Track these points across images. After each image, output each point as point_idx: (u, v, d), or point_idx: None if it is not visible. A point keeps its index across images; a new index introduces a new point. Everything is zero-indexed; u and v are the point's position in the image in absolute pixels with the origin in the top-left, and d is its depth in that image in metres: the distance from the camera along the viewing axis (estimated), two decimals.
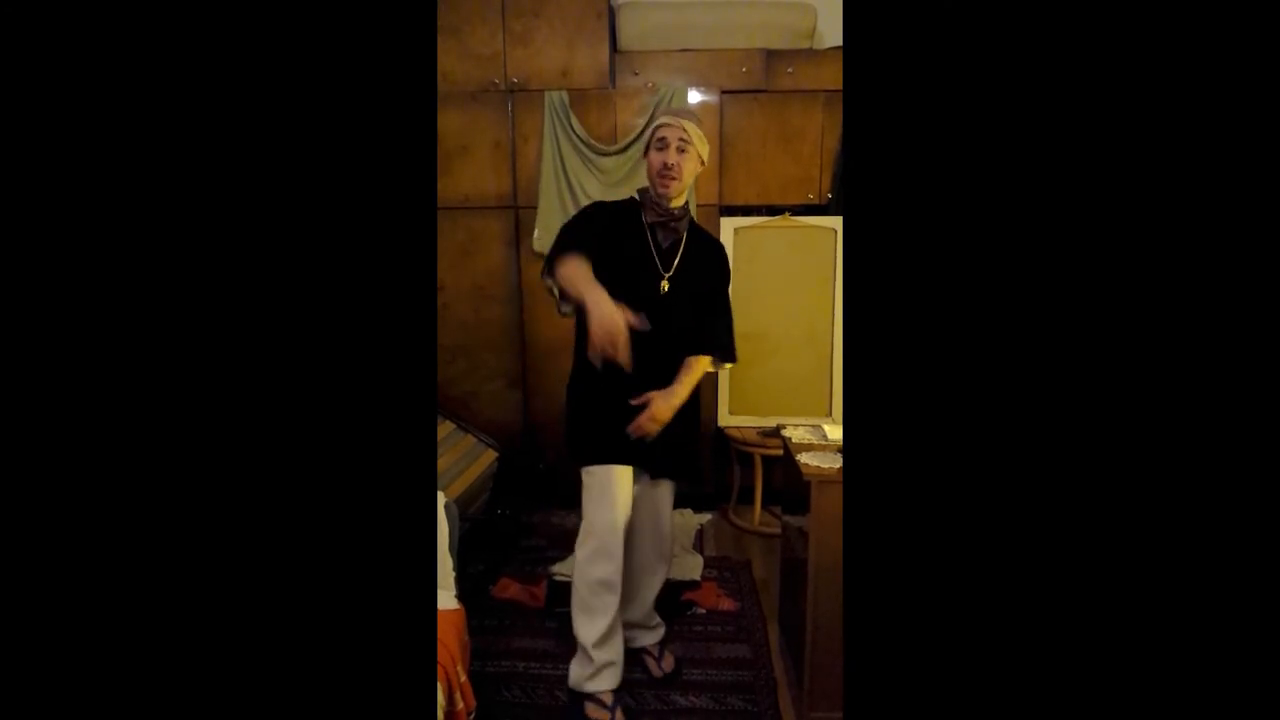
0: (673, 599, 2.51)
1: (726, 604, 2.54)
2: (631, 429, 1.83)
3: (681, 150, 1.81)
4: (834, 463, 1.88)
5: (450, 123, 3.07)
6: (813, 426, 2.23)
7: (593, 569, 1.88)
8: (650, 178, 1.86)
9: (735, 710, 2.03)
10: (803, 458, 1.94)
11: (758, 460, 3.10)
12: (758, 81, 3.05)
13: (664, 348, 1.87)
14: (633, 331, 1.65)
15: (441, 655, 1.63)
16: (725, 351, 1.99)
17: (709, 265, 1.98)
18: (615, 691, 1.96)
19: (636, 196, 1.93)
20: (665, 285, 1.88)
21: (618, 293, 1.69)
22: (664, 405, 1.84)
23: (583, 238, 1.82)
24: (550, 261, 1.83)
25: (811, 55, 3.08)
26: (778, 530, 2.87)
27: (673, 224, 1.89)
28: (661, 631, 2.20)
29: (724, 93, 3.04)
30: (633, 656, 2.11)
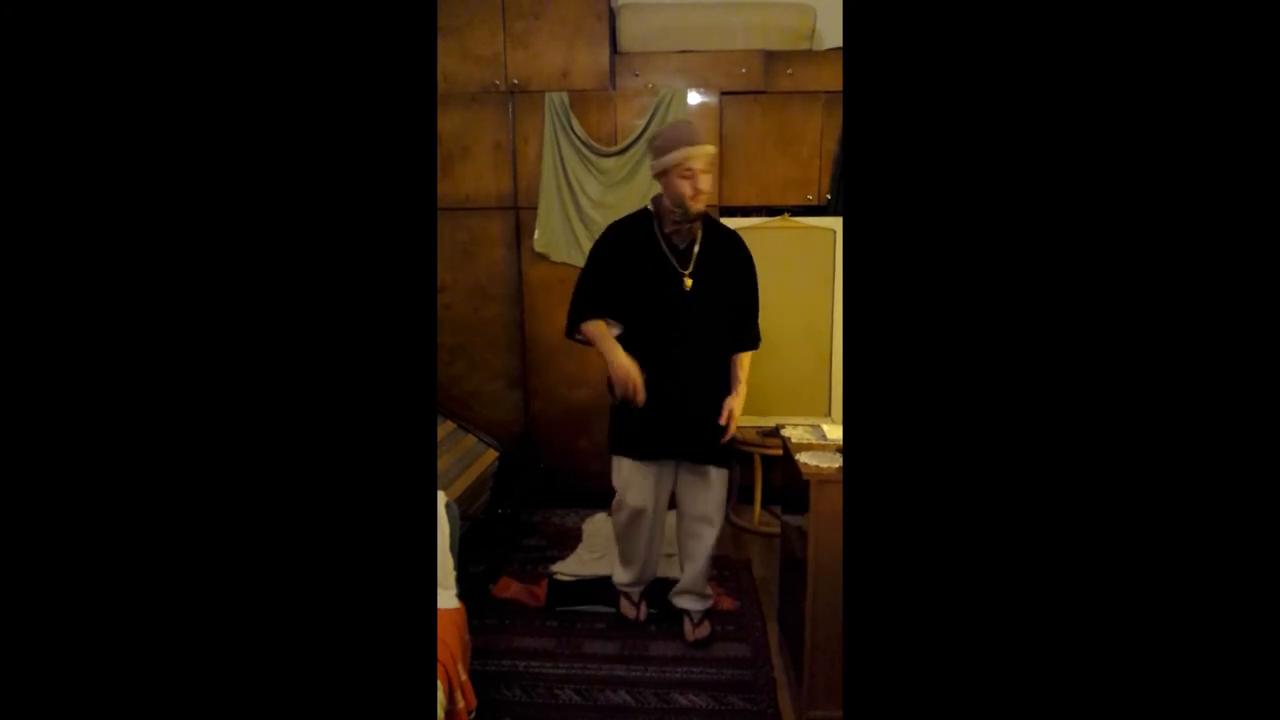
0: (677, 615, 2.48)
1: (726, 603, 2.55)
2: (723, 438, 2.20)
3: (708, 170, 2.06)
4: (833, 462, 1.89)
5: (451, 124, 3.07)
6: (812, 426, 2.24)
7: (623, 543, 2.38)
8: (678, 198, 2.08)
9: (735, 709, 2.03)
10: (802, 457, 1.94)
11: (757, 460, 3.10)
12: (757, 83, 3.06)
13: (698, 338, 2.15)
14: (661, 330, 2.13)
15: (442, 654, 1.63)
16: (755, 339, 2.26)
17: (733, 255, 2.21)
18: (643, 591, 2.47)
19: (650, 208, 2.19)
20: (689, 282, 2.13)
21: (644, 304, 2.13)
22: (737, 409, 2.19)
23: (597, 289, 2.17)
24: (572, 318, 2.20)
25: (811, 56, 3.08)
26: (777, 530, 2.87)
27: (688, 225, 2.13)
28: (709, 602, 2.41)
29: (723, 94, 3.04)
30: (676, 616, 2.42)
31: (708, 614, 2.41)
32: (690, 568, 2.35)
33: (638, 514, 2.28)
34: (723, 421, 2.16)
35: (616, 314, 2.17)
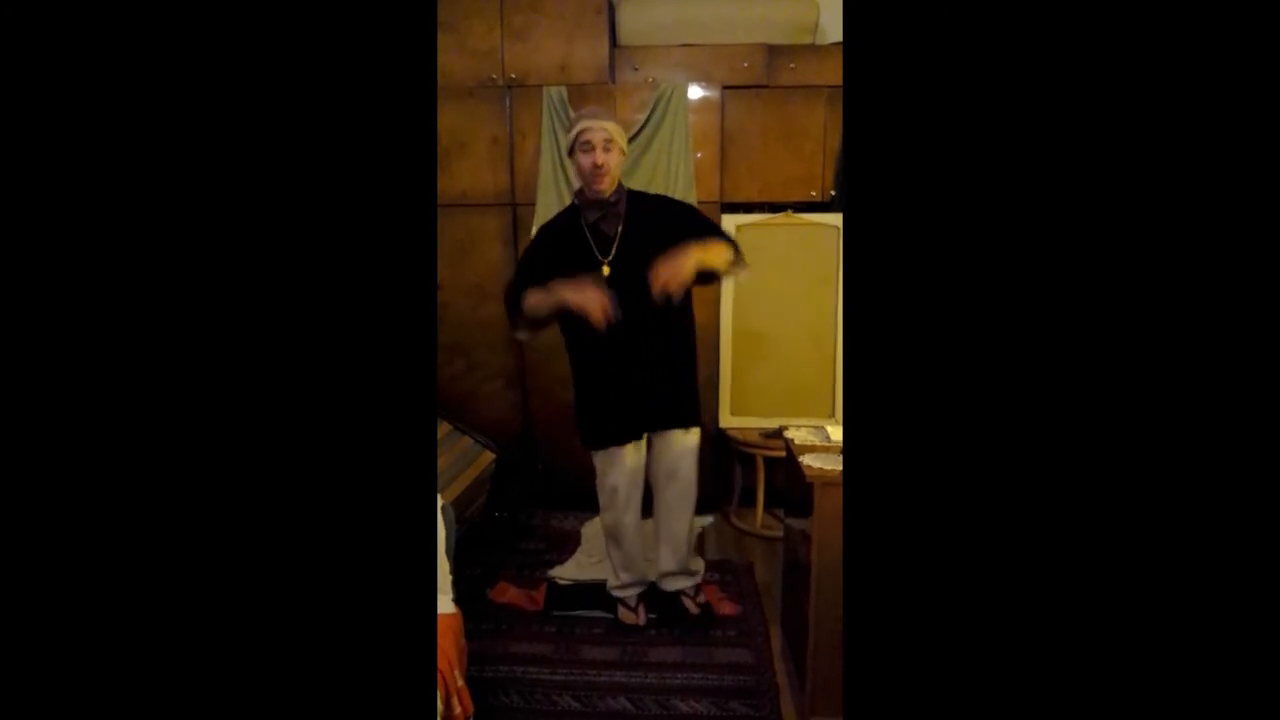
0: (673, 602, 2.48)
1: (728, 608, 2.51)
2: (656, 294, 1.98)
3: (607, 149, 2.07)
4: (837, 464, 1.86)
5: (448, 119, 3.03)
6: (815, 427, 2.21)
7: (605, 520, 2.40)
8: (582, 177, 2.13)
9: (737, 715, 2.00)
10: (805, 459, 1.91)
11: (759, 462, 3.06)
12: (759, 77, 3.02)
13: (621, 324, 2.07)
14: (594, 325, 2.02)
15: (439, 660, 1.60)
16: (715, 231, 2.17)
17: (659, 219, 2.17)
18: (639, 595, 2.44)
19: (575, 201, 2.23)
20: (606, 268, 2.14)
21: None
22: (670, 268, 1.96)
23: (528, 273, 2.17)
24: (511, 310, 2.19)
25: (814, 51, 3.05)
26: (780, 533, 2.84)
27: (611, 209, 2.15)
28: (698, 576, 2.48)
29: (725, 88, 3.01)
30: (673, 600, 2.44)
31: (711, 618, 2.42)
32: (666, 549, 2.39)
33: (613, 492, 2.32)
34: (657, 277, 1.97)
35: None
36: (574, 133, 2.09)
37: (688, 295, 2.18)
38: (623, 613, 2.44)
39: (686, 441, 2.30)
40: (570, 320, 2.14)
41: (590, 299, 1.99)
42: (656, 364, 2.20)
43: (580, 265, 2.14)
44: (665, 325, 2.19)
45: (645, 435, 2.30)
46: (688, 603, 2.42)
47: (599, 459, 2.33)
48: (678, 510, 2.34)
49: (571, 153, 2.13)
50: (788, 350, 3.16)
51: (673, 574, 2.43)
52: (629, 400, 2.22)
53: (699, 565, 2.49)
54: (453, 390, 3.22)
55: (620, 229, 2.15)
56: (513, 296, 2.18)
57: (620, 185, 2.18)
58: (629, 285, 2.08)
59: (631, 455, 2.30)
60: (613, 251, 2.15)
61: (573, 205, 2.25)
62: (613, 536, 2.41)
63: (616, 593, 2.46)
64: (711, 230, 2.19)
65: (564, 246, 2.18)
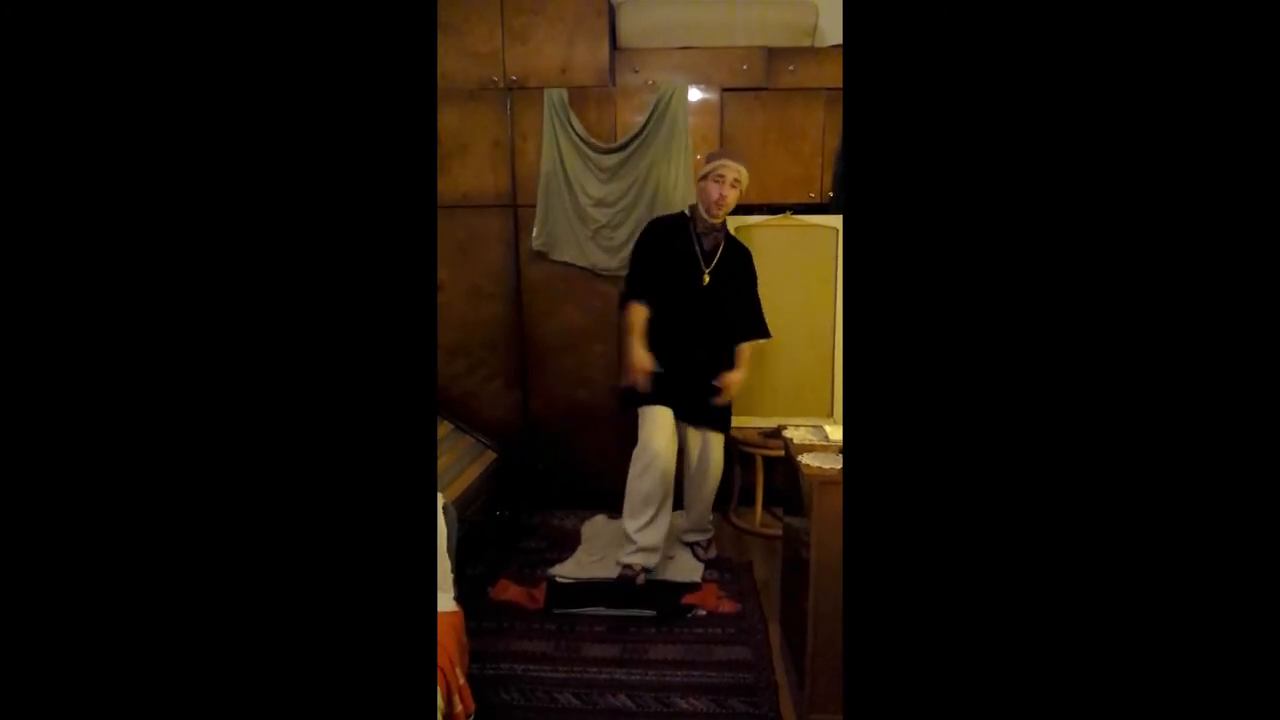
0: (673, 601, 2.51)
1: (727, 606, 2.53)
2: (717, 400, 2.66)
3: (734, 187, 2.51)
4: (835, 463, 1.87)
5: (449, 121, 3.05)
6: (814, 427, 2.22)
7: (640, 482, 2.59)
8: (705, 202, 2.54)
9: (736, 712, 2.01)
10: (804, 458, 1.93)
11: (759, 461, 3.08)
12: (759, 79, 3.04)
13: (708, 325, 2.64)
14: (683, 313, 2.61)
15: (440, 657, 1.61)
16: (760, 331, 2.73)
17: (741, 266, 2.70)
18: (645, 568, 2.62)
19: (687, 212, 2.66)
20: (707, 278, 2.61)
21: (671, 290, 2.60)
22: (734, 381, 2.66)
23: (643, 274, 2.65)
24: (625, 294, 2.68)
25: (813, 53, 3.07)
26: (779, 531, 2.86)
27: (715, 233, 2.62)
28: (711, 532, 2.94)
29: (725, 90, 3.03)
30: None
31: (710, 540, 2.93)
32: (693, 511, 2.86)
33: (655, 457, 2.58)
34: (720, 385, 2.62)
35: (653, 297, 2.61)
36: (712, 164, 2.51)
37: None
38: (623, 571, 2.59)
39: (716, 445, 2.75)
40: (662, 308, 2.61)
41: (639, 371, 2.59)
42: (713, 368, 2.63)
43: (686, 268, 2.60)
44: (729, 343, 2.67)
45: (683, 429, 2.69)
46: (699, 551, 2.86)
47: (646, 418, 2.62)
48: (705, 494, 2.81)
49: (704, 178, 2.52)
50: (786, 351, 3.18)
51: (693, 530, 2.88)
52: (685, 383, 2.61)
53: (710, 522, 2.91)
54: (454, 390, 3.24)
55: (720, 250, 2.62)
56: (630, 288, 2.65)
57: (724, 220, 2.62)
58: (717, 297, 2.62)
59: (671, 422, 2.63)
60: (713, 265, 2.62)
61: (683, 215, 2.65)
62: (646, 501, 2.59)
63: (625, 559, 2.60)
64: (755, 307, 2.73)
65: (675, 249, 2.61)
